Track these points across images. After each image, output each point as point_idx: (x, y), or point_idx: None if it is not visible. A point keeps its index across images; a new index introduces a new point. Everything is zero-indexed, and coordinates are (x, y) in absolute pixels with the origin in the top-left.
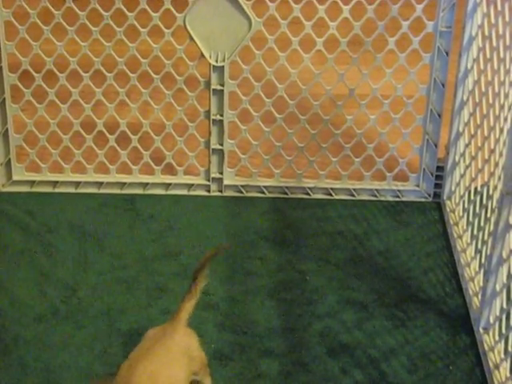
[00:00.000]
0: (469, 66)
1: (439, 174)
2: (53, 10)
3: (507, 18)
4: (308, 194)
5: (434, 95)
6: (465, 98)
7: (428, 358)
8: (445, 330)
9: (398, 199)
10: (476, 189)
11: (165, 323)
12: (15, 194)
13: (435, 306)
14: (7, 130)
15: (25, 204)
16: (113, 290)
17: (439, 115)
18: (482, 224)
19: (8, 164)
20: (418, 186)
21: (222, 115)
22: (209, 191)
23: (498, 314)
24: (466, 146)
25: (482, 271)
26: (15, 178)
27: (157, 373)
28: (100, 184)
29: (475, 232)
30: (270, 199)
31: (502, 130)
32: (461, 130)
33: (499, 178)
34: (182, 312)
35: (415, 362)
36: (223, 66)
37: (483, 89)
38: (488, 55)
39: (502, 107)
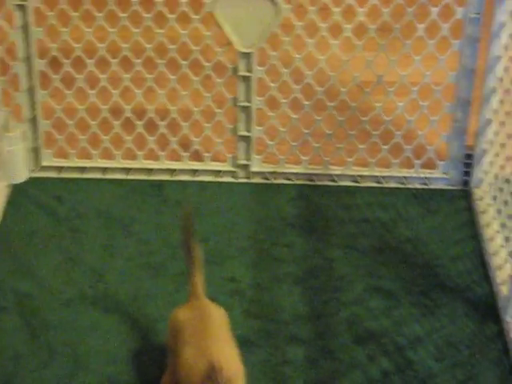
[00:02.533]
0: (498, 53)
1: (468, 162)
2: None
3: None
4: (335, 181)
5: (463, 82)
6: (494, 86)
7: (455, 347)
8: (472, 319)
9: (425, 187)
10: (505, 177)
11: (187, 302)
12: (43, 180)
13: (462, 294)
14: (36, 116)
15: (53, 190)
16: (140, 275)
17: (468, 103)
18: (510, 212)
19: (37, 150)
20: (446, 173)
21: (249, 102)
22: (236, 178)
23: None
24: (495, 133)
25: (510, 260)
26: (44, 163)
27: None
28: (127, 170)
29: (503, 220)
30: (297, 186)
31: None
32: (490, 117)
33: None
34: (199, 286)
35: (442, 350)
36: (251, 53)
37: None
38: None
39: None
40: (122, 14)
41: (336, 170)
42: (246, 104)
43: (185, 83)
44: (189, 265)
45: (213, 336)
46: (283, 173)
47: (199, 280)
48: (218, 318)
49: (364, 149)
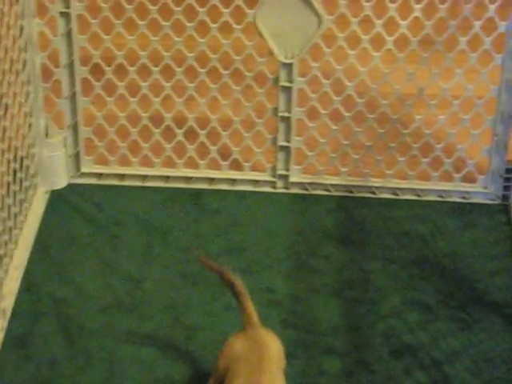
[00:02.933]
0: None
1: (508, 177)
2: (125, 4)
3: None
4: (374, 193)
5: (505, 96)
6: None
7: (492, 362)
8: (509, 334)
9: (465, 201)
10: None
11: (243, 330)
12: (83, 186)
13: (501, 309)
14: (77, 122)
15: (92, 196)
16: (177, 283)
17: (510, 117)
18: None
19: (77, 156)
20: (485, 187)
21: (289, 112)
22: (274, 188)
23: None
24: None
25: None
26: (83, 170)
27: None
28: (167, 178)
29: None
30: (335, 197)
31: None
32: None
33: None
34: (253, 315)
35: (479, 365)
36: (292, 63)
37: None
38: None
39: None
40: (164, 23)
41: (375, 182)
42: (286, 114)
43: (225, 92)
44: (236, 296)
45: (266, 372)
46: (322, 184)
47: (251, 308)
48: (273, 350)
49: (404, 161)
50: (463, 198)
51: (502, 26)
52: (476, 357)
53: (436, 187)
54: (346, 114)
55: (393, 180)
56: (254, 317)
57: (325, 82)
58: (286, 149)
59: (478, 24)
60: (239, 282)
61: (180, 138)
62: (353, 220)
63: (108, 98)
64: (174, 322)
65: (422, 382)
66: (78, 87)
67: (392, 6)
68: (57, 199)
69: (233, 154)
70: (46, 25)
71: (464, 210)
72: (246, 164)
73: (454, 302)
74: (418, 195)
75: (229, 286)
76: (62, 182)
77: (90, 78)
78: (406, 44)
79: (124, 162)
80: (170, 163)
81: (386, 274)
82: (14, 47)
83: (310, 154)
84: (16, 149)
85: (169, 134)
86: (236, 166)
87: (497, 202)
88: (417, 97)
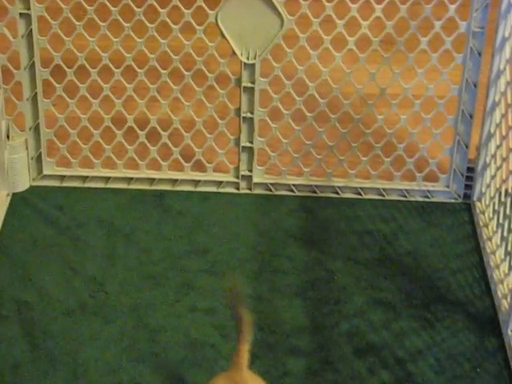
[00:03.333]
0: (501, 67)
1: (469, 175)
2: (85, 5)
3: None
4: (337, 193)
5: (466, 96)
6: (497, 99)
7: (455, 360)
8: (473, 332)
9: (427, 200)
10: (506, 190)
11: (229, 370)
12: (45, 188)
13: (463, 307)
14: (38, 124)
15: (55, 198)
16: (141, 285)
17: (471, 116)
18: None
19: (39, 158)
20: (447, 186)
21: (252, 113)
22: (238, 189)
23: None
24: (497, 147)
25: (511, 273)
26: (46, 172)
27: None
28: (129, 179)
29: (505, 234)
30: (299, 198)
31: None
32: (492, 131)
33: None
34: (243, 357)
35: (442, 363)
36: (254, 64)
37: None
38: None
39: None
40: (125, 24)
41: (338, 182)
42: (249, 115)
43: (188, 93)
44: (237, 332)
45: None
46: (285, 184)
47: (245, 350)
48: None
49: (366, 161)
50: (425, 197)
51: (463, 25)
52: (439, 355)
53: (399, 186)
54: (309, 114)
55: (356, 180)
56: (244, 359)
57: (287, 82)
58: (249, 149)
59: (438, 24)
60: (247, 322)
61: (142, 139)
62: (316, 220)
63: (69, 100)
64: (138, 323)
65: (386, 380)
66: (39, 89)
67: (353, 6)
68: (19, 202)
69: (196, 155)
70: (6, 26)
71: (426, 209)
72: (209, 165)
73: (417, 300)
74: (381, 194)
75: (236, 320)
76: (23, 185)
77: (51, 79)
78: (367, 44)
79: (86, 163)
80: (132, 165)
81: (350, 274)
82: None
83: (272, 154)
84: None
85: (131, 135)
86: (199, 166)
87: (459, 201)
88: (379, 96)
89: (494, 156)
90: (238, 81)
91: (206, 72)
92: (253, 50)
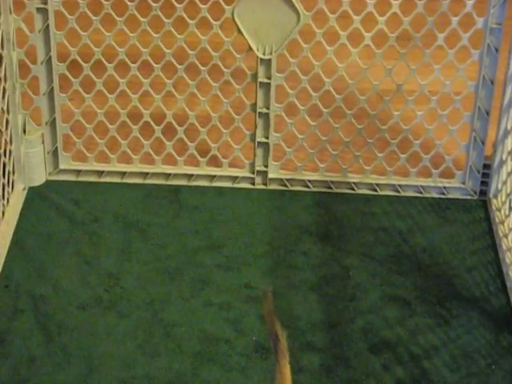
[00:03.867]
0: None
1: (486, 172)
2: (102, 0)
3: None
4: (353, 189)
5: (483, 92)
6: None
7: (470, 357)
8: (488, 329)
9: (443, 196)
10: None
11: None
12: (61, 183)
13: (479, 304)
14: (55, 119)
15: (70, 193)
16: (156, 280)
17: (487, 113)
18: None
19: (55, 153)
20: (463, 183)
21: (268, 108)
22: (253, 184)
23: None
24: None
25: None
26: (62, 166)
27: None
28: (145, 174)
29: None
30: (314, 193)
31: None
32: (509, 127)
33: None
34: (288, 378)
35: (457, 360)
36: (270, 59)
37: None
38: None
39: None
40: (142, 19)
41: (354, 178)
42: (265, 110)
43: (204, 89)
44: (275, 352)
45: None
46: (301, 180)
47: (287, 371)
48: None
49: (382, 157)
50: (441, 193)
51: (480, 21)
52: (454, 352)
53: (414, 183)
54: (325, 109)
55: (371, 176)
56: (288, 381)
57: (303, 77)
58: (265, 145)
59: (455, 20)
60: (284, 342)
61: (158, 134)
62: (331, 216)
63: (86, 95)
64: (153, 318)
65: (401, 377)
66: (56, 83)
67: (370, 2)
68: (35, 196)
69: (211, 150)
70: (23, 21)
71: (442, 206)
72: (224, 160)
73: (432, 297)
74: (397, 191)
75: (273, 340)
76: (40, 179)
77: (67, 74)
78: (384, 40)
79: (102, 158)
80: (148, 160)
81: (365, 270)
82: None
83: (288, 149)
84: None
85: (147, 130)
86: (215, 162)
87: (475, 198)
88: (395, 93)
89: (510, 153)
90: (254, 76)
91: (222, 67)
92: (269, 46)
